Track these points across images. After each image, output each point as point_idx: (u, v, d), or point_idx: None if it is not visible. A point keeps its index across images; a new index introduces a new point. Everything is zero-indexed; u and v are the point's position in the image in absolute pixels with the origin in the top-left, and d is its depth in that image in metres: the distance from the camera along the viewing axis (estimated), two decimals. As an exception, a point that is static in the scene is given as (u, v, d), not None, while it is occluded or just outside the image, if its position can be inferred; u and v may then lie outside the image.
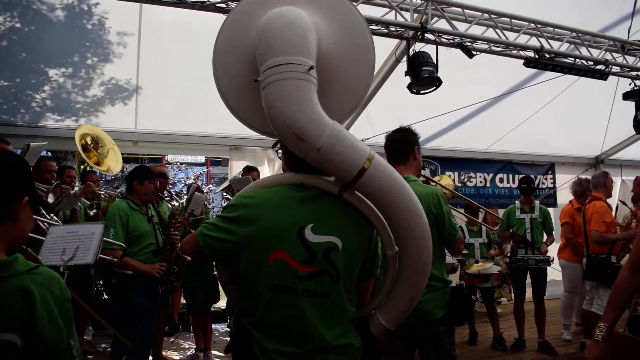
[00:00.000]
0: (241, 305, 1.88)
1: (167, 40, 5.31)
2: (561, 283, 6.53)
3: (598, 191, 5.65)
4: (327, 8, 1.89)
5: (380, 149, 2.98)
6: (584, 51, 5.38)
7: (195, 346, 5.53)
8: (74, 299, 1.54)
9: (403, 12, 4.50)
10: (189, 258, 4.17)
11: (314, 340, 1.72)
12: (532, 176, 7.12)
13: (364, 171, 1.66)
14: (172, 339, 6.18)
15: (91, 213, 5.02)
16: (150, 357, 4.75)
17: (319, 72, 1.73)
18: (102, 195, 5.34)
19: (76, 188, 5.27)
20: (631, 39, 5.61)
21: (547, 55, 5.04)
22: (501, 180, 8.52)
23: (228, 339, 2.01)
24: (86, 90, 5.89)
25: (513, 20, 4.99)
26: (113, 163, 5.60)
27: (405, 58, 4.71)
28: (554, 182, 8.83)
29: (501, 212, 6.74)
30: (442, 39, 4.72)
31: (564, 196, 8.51)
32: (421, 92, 4.82)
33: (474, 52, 4.72)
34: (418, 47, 4.72)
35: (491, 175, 8.44)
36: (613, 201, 6.63)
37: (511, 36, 5.02)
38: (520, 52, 5.09)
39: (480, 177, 8.35)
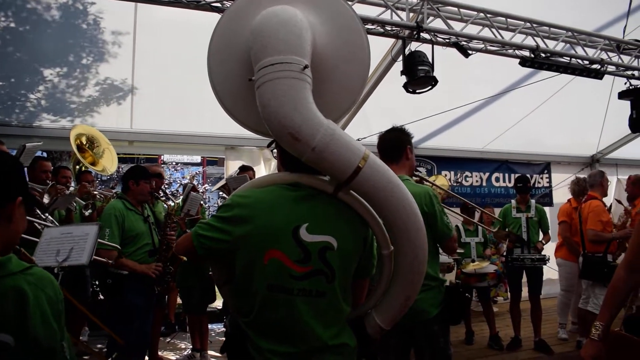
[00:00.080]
0: (236, 305, 1.87)
1: (163, 40, 5.29)
2: (557, 282, 6.54)
3: (594, 190, 5.66)
4: (322, 7, 1.89)
5: (376, 148, 2.99)
6: (579, 50, 5.39)
7: (191, 346, 5.51)
8: (68, 299, 1.53)
9: (399, 12, 4.50)
10: (185, 258, 4.16)
11: (309, 340, 1.72)
12: (528, 175, 7.17)
13: (359, 170, 1.66)
14: (168, 339, 6.17)
15: (86, 213, 5.00)
16: (147, 358, 4.74)
17: (314, 72, 1.73)
18: (97, 196, 5.32)
19: (71, 188, 5.24)
20: (626, 38, 5.62)
21: (543, 55, 5.05)
22: (497, 179, 8.52)
23: (224, 339, 2.00)
24: (81, 90, 5.86)
25: (509, 19, 5.00)
26: (108, 163, 5.58)
27: (401, 57, 4.71)
28: (549, 182, 8.84)
29: (497, 212, 6.75)
30: (437, 39, 4.72)
31: (560, 195, 8.55)
32: (417, 91, 4.82)
33: (470, 52, 4.73)
34: (414, 46, 4.73)
35: (487, 174, 8.44)
36: (609, 200, 6.65)
37: (507, 35, 5.03)
38: (516, 51, 5.10)
39: (476, 176, 8.35)
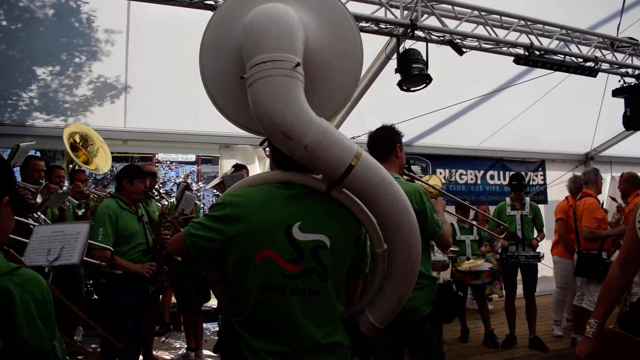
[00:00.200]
0: (229, 304, 1.86)
1: (156, 38, 5.26)
2: (552, 279, 6.56)
3: (589, 187, 5.68)
4: (314, 4, 1.88)
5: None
6: (573, 48, 5.39)
7: (186, 345, 5.50)
8: (60, 299, 1.51)
9: (393, 9, 4.48)
10: (179, 258, 4.14)
11: (302, 339, 1.71)
12: (523, 173, 7.17)
13: (351, 168, 1.65)
14: (163, 339, 6.15)
15: (79, 212, 4.97)
16: (141, 357, 4.73)
17: (307, 69, 1.72)
18: (91, 196, 5.28)
19: (65, 188, 5.21)
20: (620, 36, 5.63)
21: (537, 53, 5.05)
22: (492, 177, 8.54)
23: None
24: (74, 88, 5.81)
25: (503, 17, 4.99)
26: (102, 162, 5.52)
27: (395, 55, 4.70)
28: (544, 179, 8.87)
29: (492, 209, 6.76)
30: (432, 36, 4.71)
31: (554, 193, 8.58)
32: (411, 89, 4.81)
33: (464, 50, 4.72)
34: (408, 44, 4.72)
35: (482, 172, 8.46)
36: (603, 198, 6.67)
37: (501, 33, 5.03)
38: (510, 49, 5.09)
39: (471, 174, 8.37)
